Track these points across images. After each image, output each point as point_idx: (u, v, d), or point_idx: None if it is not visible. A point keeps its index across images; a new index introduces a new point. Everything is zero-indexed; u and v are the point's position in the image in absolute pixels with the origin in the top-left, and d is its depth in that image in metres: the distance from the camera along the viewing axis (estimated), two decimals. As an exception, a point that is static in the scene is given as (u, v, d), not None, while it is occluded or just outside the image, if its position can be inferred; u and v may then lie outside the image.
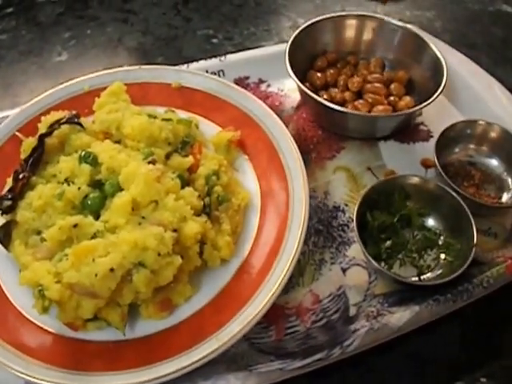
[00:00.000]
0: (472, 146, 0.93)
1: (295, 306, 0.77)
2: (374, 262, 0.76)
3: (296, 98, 1.02)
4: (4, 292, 0.76)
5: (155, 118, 0.82)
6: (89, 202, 0.73)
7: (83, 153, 0.76)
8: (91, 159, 0.76)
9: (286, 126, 0.88)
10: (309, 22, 1.02)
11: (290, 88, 1.03)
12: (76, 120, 0.83)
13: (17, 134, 0.87)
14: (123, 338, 0.72)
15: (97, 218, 0.73)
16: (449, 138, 0.91)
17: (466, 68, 1.02)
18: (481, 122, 0.92)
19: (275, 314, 0.76)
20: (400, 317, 0.72)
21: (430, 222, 0.84)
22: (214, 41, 1.19)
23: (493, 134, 0.91)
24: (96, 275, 0.65)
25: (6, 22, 1.25)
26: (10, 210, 0.78)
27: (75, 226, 0.70)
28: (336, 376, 0.73)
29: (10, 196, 0.78)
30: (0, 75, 1.15)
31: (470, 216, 0.78)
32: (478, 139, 0.92)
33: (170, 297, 0.73)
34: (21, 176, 0.79)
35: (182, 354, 0.68)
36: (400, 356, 0.75)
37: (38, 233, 0.75)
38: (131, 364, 0.68)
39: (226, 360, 0.71)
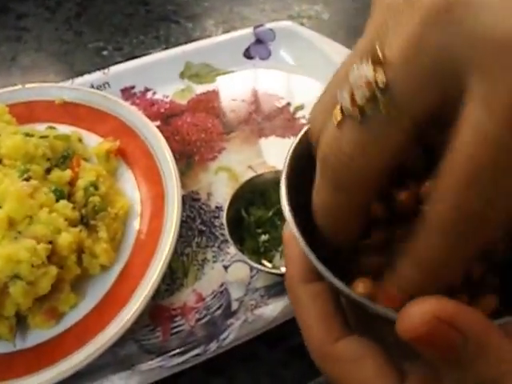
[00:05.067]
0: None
1: (180, 307, 0.85)
2: (235, 247, 0.84)
3: (181, 103, 1.10)
4: None
5: (32, 136, 0.90)
6: (-31, 221, 0.81)
7: None
8: None
9: (172, 132, 0.97)
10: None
11: (175, 95, 1.12)
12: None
13: None
14: (15, 350, 0.80)
15: (-24, 236, 0.80)
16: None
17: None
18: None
19: (161, 315, 0.84)
20: (274, 307, 0.80)
21: (307, 213, 0.91)
22: (104, 53, 1.26)
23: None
24: (-26, 290, 0.74)
25: None
26: None
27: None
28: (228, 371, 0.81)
29: None
30: None
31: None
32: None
33: (55, 306, 0.81)
34: None
35: (65, 359, 0.76)
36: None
37: None
38: (20, 373, 0.77)
39: (115, 362, 0.79)
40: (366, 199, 0.42)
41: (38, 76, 1.22)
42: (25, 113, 1.01)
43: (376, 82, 0.35)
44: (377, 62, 0.35)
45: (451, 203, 0.34)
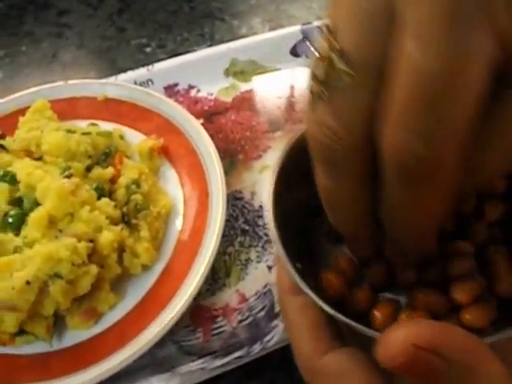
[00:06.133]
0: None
1: (222, 307, 0.83)
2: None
3: (225, 100, 1.08)
4: None
5: (74, 132, 0.88)
6: (9, 220, 0.79)
7: (1, 172, 0.83)
8: (9, 178, 0.82)
9: (216, 130, 0.95)
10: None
11: (220, 92, 1.10)
12: (-1, 142, 0.90)
13: None
14: (51, 350, 0.78)
15: (18, 234, 0.79)
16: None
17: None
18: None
19: (202, 316, 0.82)
20: (318, 309, 0.78)
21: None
22: (147, 50, 1.25)
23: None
24: (13, 288, 0.72)
25: None
26: None
27: (-5, 243, 0.77)
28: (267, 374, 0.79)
29: None
30: None
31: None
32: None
33: (94, 306, 0.80)
34: None
35: (104, 360, 0.75)
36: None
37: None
38: (56, 374, 0.75)
39: (154, 364, 0.77)
40: (363, 173, 0.39)
41: (80, 73, 1.21)
42: (67, 109, 1.00)
43: (330, 53, 0.35)
44: (327, 33, 0.35)
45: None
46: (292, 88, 1.10)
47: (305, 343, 0.47)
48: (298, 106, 1.07)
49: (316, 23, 1.13)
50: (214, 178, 0.88)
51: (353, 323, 0.41)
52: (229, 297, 0.85)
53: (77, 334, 0.79)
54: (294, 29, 1.13)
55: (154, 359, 0.78)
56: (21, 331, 0.77)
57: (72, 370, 0.75)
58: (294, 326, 0.49)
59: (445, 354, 0.34)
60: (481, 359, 0.35)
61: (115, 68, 1.20)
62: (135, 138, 0.97)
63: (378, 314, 0.48)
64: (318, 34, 0.36)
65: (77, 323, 0.79)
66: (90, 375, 0.73)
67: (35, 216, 0.77)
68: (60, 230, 0.78)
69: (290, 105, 1.07)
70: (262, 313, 0.82)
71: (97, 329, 0.80)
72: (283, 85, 1.11)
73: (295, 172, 0.52)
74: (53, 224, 0.78)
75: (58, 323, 0.80)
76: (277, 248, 0.48)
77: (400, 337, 0.34)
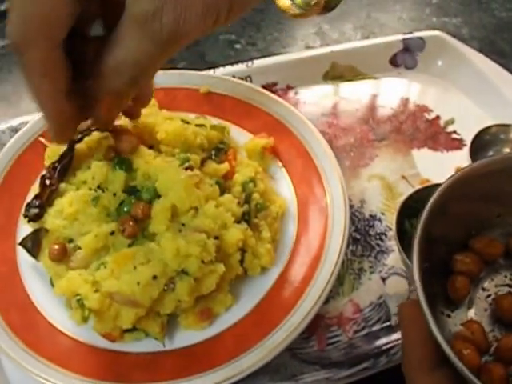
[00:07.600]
0: (506, 150, 0.93)
1: (336, 316, 0.79)
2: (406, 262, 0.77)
3: (325, 105, 1.03)
4: (35, 305, 0.76)
5: (188, 123, 0.83)
6: (125, 209, 0.73)
7: (117, 159, 0.76)
8: (126, 165, 0.75)
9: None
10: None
11: (319, 95, 1.05)
12: (106, 126, 0.84)
13: (41, 139, 0.87)
14: (162, 349, 0.72)
15: (133, 225, 0.73)
16: (482, 143, 0.91)
17: (498, 76, 1.03)
18: (515, 126, 0.92)
19: (316, 324, 0.77)
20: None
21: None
22: (237, 46, 1.20)
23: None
24: (138, 283, 0.67)
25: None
26: (38, 218, 0.77)
27: (112, 233, 0.71)
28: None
29: (37, 203, 0.77)
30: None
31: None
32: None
33: (210, 306, 0.74)
34: (48, 182, 0.78)
35: (226, 365, 0.69)
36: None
37: (70, 241, 0.75)
38: (172, 375, 0.69)
39: (269, 371, 0.72)
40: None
41: (168, 63, 1.15)
42: (166, 99, 0.93)
43: None
44: None
45: None
46: (393, 98, 1.06)
47: None
48: (401, 117, 1.02)
49: (417, 34, 1.09)
50: (333, 182, 0.83)
51: None
52: (342, 306, 0.80)
53: (189, 334, 0.74)
54: (396, 38, 1.09)
55: (268, 366, 0.72)
56: (131, 328, 0.71)
57: (187, 374, 0.69)
58: None
59: None
60: None
61: (205, 61, 1.15)
62: (240, 135, 0.91)
63: None
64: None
65: (191, 323, 0.73)
66: (214, 379, 0.68)
67: (159, 208, 0.71)
68: (183, 224, 0.72)
69: (393, 115, 1.03)
70: (378, 325, 0.78)
71: (211, 331, 0.74)
72: (384, 94, 1.07)
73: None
74: (175, 217, 0.72)
75: (169, 322, 0.74)
76: (425, 320, 0.48)
77: None
